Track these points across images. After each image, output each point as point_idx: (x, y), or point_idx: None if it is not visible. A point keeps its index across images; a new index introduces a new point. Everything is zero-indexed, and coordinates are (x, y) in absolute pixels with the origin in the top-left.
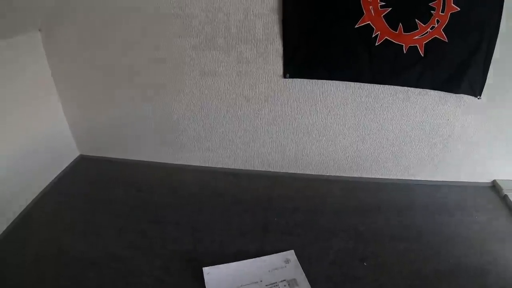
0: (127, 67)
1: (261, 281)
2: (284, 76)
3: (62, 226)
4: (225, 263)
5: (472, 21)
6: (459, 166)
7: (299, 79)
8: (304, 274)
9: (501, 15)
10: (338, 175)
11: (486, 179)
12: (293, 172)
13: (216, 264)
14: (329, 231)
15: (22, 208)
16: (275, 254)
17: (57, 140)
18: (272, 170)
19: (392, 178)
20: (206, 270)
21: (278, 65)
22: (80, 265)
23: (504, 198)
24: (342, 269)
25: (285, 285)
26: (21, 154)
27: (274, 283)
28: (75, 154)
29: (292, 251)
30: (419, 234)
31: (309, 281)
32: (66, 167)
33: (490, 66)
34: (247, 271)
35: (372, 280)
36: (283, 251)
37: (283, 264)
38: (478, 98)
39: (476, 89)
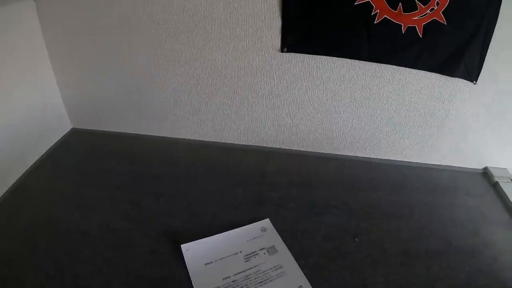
0: (124, 35)
1: (240, 251)
2: (282, 50)
3: (55, 198)
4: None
5: (472, 6)
6: (452, 150)
7: (297, 54)
8: (282, 241)
9: (501, 0)
10: (332, 152)
11: (479, 165)
12: (287, 148)
13: (209, 236)
14: (322, 206)
15: (14, 180)
16: (251, 224)
17: (50, 112)
18: (266, 146)
19: (386, 158)
20: (184, 246)
21: (276, 38)
22: (72, 236)
23: (495, 185)
24: (334, 244)
25: (264, 253)
26: (12, 125)
27: (253, 252)
28: (68, 126)
29: (268, 219)
30: (410, 214)
31: (301, 254)
32: (59, 139)
33: (488, 52)
34: (225, 243)
35: (364, 256)
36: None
37: (260, 233)
38: (474, 83)
39: (472, 74)
